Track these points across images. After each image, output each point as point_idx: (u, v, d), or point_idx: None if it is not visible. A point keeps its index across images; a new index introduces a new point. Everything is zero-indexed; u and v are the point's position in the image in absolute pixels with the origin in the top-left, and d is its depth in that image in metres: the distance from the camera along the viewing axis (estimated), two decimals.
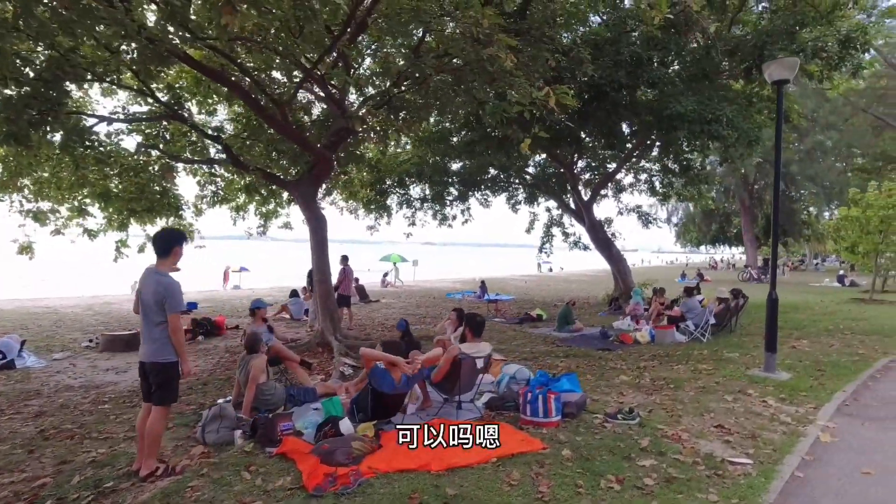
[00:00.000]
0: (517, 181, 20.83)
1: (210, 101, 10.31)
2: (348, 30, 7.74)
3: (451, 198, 20.04)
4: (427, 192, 19.53)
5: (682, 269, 40.53)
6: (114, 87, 9.03)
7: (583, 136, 14.18)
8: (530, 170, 20.94)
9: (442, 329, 8.65)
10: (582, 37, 11.29)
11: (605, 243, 19.36)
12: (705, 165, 19.46)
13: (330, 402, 4.95)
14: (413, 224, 20.18)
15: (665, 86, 11.02)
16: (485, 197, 20.76)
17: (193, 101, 10.23)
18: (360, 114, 8.68)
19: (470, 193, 20.20)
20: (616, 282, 19.65)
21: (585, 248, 21.00)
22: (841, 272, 31.21)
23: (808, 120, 32.66)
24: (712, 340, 10.56)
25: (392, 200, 19.84)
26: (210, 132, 10.26)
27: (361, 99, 10.99)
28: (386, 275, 26.50)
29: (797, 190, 34.71)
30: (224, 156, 10.05)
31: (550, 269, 50.63)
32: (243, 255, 49.61)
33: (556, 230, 22.42)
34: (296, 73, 8.78)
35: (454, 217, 20.80)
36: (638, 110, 12.18)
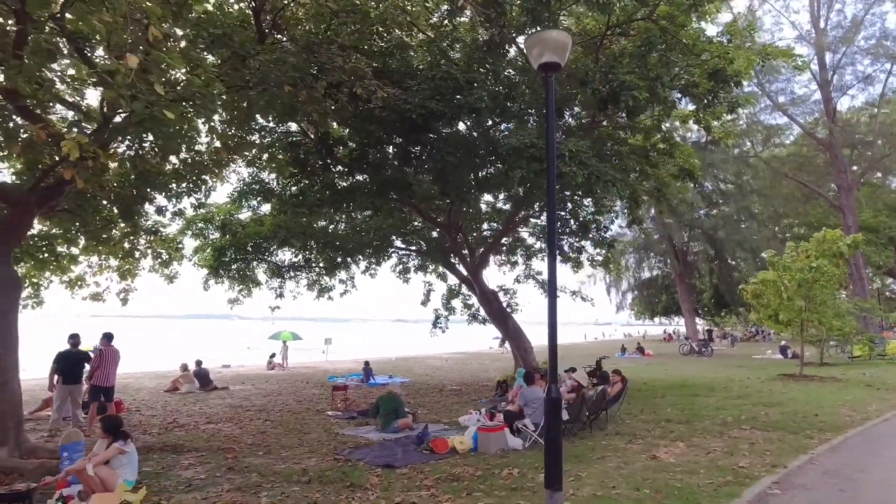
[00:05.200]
0: (406, 246, 18.45)
1: None
2: None
3: (325, 265, 17.41)
4: (296, 258, 16.91)
5: (623, 342, 38.05)
6: None
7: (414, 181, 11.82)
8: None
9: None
10: (390, 56, 9.24)
11: (500, 315, 16.75)
12: (606, 226, 17.46)
13: None
14: (281, 296, 17.28)
15: (490, 115, 8.92)
16: (370, 264, 18.20)
17: None
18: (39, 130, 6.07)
19: (350, 260, 17.63)
20: (516, 361, 16.86)
21: (484, 321, 18.29)
22: (783, 343, 29.13)
23: (733, 184, 32.05)
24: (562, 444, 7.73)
25: (261, 269, 17.12)
26: None
27: None
28: (273, 356, 23.03)
29: (733, 257, 33.42)
30: None
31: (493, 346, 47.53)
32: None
33: (457, 302, 19.82)
34: None
35: (331, 288, 18.09)
36: (474, 148, 10.05)
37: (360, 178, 11.04)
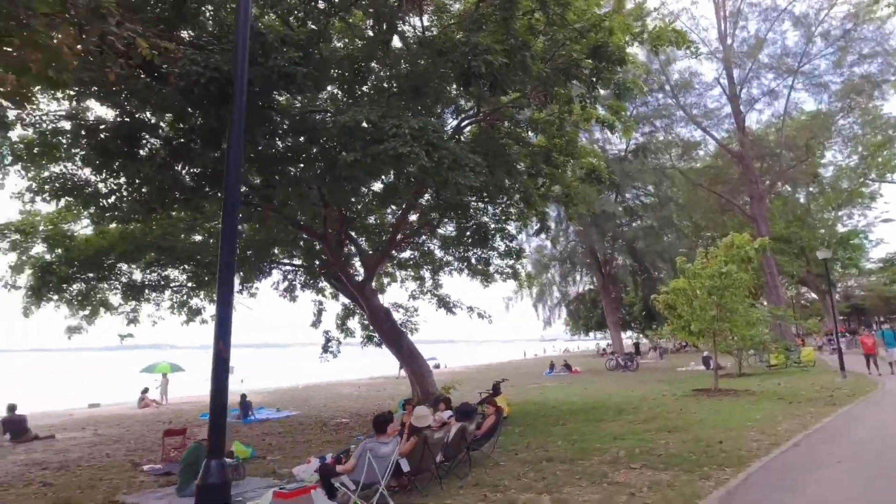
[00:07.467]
0: (289, 261, 16.28)
1: None
2: None
3: (192, 283, 14.94)
4: (150, 275, 14.36)
5: (553, 359, 36.88)
6: None
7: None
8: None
9: None
10: None
11: (392, 336, 14.79)
12: (512, 234, 16.01)
13: None
14: (135, 322, 14.64)
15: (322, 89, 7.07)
16: (243, 281, 15.84)
17: None
18: None
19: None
20: (412, 388, 14.92)
21: (379, 343, 16.26)
22: (706, 353, 28.71)
23: (653, 196, 31.91)
24: None
25: (111, 289, 14.41)
26: None
27: None
28: (145, 391, 19.92)
29: (655, 268, 33.12)
30: None
31: (437, 366, 45.21)
32: None
33: (354, 322, 17.75)
34: None
35: (201, 310, 15.58)
36: (322, 133, 8.17)
37: (177, 171, 8.89)
